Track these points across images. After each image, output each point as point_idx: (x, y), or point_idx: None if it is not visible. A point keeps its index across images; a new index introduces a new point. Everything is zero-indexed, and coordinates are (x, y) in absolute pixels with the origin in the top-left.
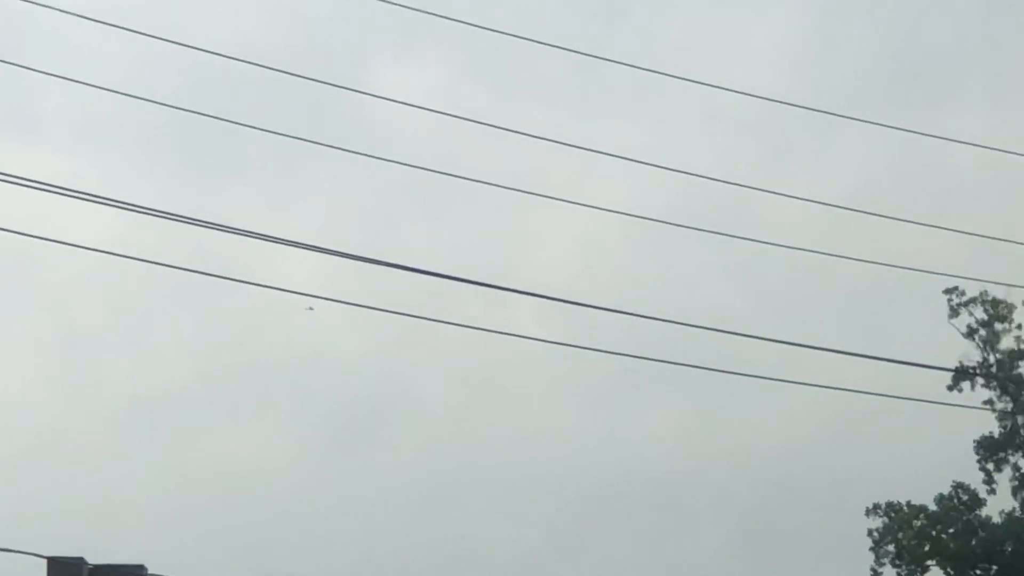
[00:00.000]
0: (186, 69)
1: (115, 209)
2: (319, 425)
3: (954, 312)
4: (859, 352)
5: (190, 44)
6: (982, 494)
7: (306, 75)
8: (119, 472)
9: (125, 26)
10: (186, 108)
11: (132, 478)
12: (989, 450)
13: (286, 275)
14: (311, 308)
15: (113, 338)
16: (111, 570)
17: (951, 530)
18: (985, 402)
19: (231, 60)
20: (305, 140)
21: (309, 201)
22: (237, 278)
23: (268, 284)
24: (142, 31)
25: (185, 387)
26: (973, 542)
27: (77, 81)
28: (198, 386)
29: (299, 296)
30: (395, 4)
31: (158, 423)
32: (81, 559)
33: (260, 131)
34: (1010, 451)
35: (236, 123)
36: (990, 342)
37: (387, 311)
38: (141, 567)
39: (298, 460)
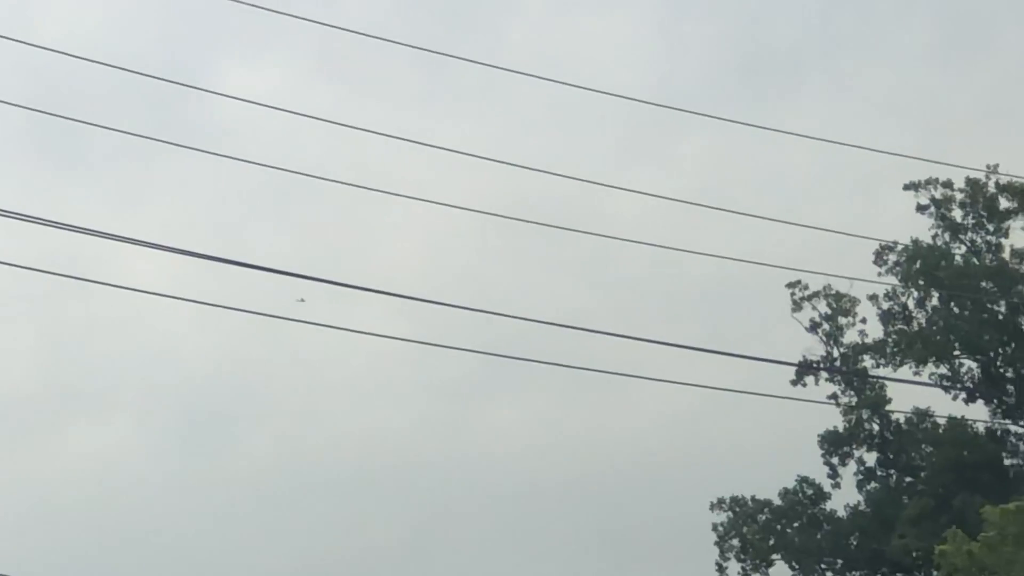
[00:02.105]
0: (30, 68)
1: None
2: (168, 426)
3: (797, 306)
4: (704, 347)
5: (34, 43)
6: (827, 488)
7: (152, 74)
8: None
9: None
10: (30, 107)
11: None
12: (833, 444)
13: (134, 275)
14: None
15: None
16: None
17: (796, 524)
18: (830, 396)
19: (76, 59)
20: (152, 139)
21: (156, 200)
22: (84, 277)
23: (115, 284)
24: None
25: (30, 389)
26: (818, 536)
27: None
28: (44, 388)
29: (147, 295)
30: (242, 3)
31: (2, 426)
32: None
33: (106, 130)
34: (854, 445)
35: (82, 122)
36: (834, 336)
37: (236, 309)
38: None
39: (147, 461)
